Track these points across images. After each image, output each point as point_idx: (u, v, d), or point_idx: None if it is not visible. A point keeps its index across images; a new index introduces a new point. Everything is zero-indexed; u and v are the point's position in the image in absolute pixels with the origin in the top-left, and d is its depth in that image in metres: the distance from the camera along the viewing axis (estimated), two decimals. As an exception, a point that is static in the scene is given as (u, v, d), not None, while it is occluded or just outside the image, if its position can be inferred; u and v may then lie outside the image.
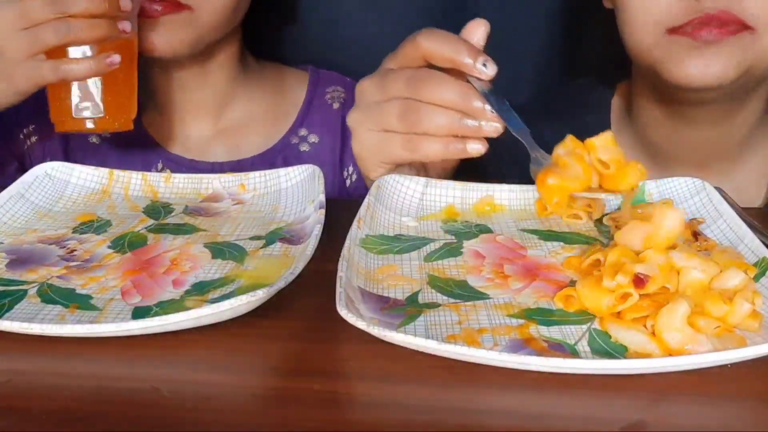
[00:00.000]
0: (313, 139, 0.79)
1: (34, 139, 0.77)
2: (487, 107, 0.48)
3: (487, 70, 0.49)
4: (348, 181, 0.80)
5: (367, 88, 0.53)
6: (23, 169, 0.77)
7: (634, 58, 0.65)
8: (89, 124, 0.60)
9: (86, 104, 0.60)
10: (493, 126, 0.49)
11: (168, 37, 0.66)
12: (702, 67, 0.57)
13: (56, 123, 0.62)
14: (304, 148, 0.79)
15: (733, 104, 0.64)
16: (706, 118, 0.65)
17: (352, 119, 0.54)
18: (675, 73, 0.59)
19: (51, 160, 0.76)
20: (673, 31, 0.58)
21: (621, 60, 0.68)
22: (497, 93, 0.49)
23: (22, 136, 0.77)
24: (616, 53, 0.67)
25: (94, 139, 0.78)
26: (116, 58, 0.59)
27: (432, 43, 0.50)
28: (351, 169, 0.80)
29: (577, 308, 0.39)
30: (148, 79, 0.77)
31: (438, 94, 0.49)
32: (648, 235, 0.42)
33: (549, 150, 0.50)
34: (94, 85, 0.60)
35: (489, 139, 0.50)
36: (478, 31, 0.51)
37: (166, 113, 0.78)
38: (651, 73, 0.62)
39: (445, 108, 0.49)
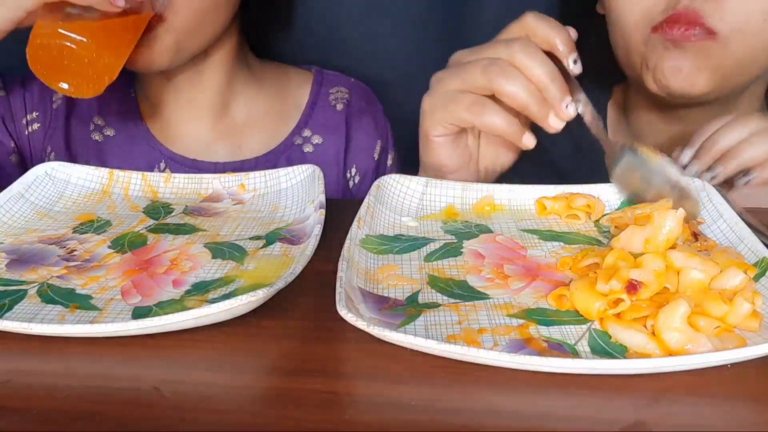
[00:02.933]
0: (317, 140, 0.79)
1: (36, 126, 0.77)
2: (567, 99, 0.50)
3: (575, 67, 0.51)
4: (351, 183, 0.80)
5: (461, 53, 0.55)
6: (20, 153, 0.77)
7: (624, 65, 0.66)
8: (69, 42, 0.58)
9: (73, 24, 0.58)
10: (568, 112, 0.50)
11: (144, 52, 0.64)
12: (673, 70, 0.59)
13: (33, 37, 0.58)
14: (308, 149, 0.79)
15: (723, 106, 0.65)
16: (698, 119, 0.66)
17: (437, 77, 0.55)
18: (653, 77, 0.61)
19: (53, 151, 0.77)
20: (654, 29, 0.60)
21: (615, 64, 0.68)
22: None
23: (24, 122, 0.77)
24: (610, 57, 0.68)
25: (96, 137, 0.77)
26: (121, 1, 0.58)
27: (538, 22, 0.52)
28: (354, 170, 0.80)
29: (568, 308, 0.39)
30: (146, 80, 0.77)
31: (530, 61, 0.50)
32: (647, 237, 0.42)
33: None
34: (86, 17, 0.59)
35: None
36: (570, 32, 0.53)
37: (166, 113, 0.78)
38: (636, 80, 0.63)
39: (528, 79, 0.50)
